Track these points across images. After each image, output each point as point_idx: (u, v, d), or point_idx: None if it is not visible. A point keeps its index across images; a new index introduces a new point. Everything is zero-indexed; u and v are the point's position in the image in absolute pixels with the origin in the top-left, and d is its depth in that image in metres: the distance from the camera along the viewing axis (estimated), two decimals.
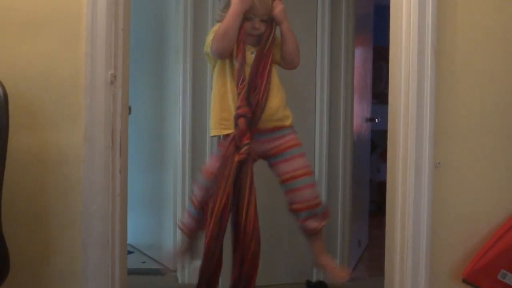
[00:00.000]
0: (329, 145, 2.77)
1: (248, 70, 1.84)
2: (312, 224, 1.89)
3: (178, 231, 2.74)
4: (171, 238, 2.86)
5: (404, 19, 1.80)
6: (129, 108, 1.93)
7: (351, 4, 2.81)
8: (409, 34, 1.79)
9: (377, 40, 3.68)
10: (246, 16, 1.85)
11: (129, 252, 3.07)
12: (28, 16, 1.75)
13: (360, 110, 3.16)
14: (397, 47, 1.84)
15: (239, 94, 1.82)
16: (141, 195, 3.16)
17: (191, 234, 1.99)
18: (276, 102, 1.88)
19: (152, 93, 3.16)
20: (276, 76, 1.92)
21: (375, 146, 4.53)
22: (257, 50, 1.87)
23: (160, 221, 3.06)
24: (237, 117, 1.81)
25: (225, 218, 1.79)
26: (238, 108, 1.82)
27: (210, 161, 1.99)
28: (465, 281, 1.80)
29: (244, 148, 1.80)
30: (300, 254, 2.71)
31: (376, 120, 3.51)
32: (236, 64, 1.84)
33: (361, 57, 3.13)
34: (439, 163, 1.80)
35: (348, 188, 2.83)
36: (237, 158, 1.80)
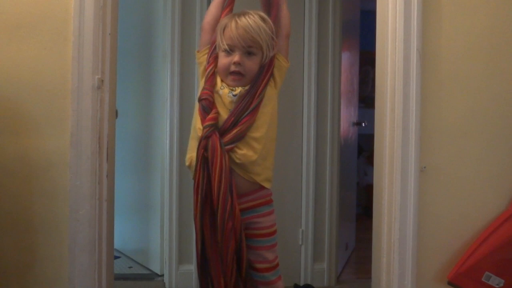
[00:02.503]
0: (316, 149, 2.78)
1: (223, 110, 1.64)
2: None
3: (165, 236, 2.75)
4: (158, 242, 2.85)
5: (390, 24, 1.82)
6: (116, 112, 1.92)
7: (338, 10, 2.83)
8: (394, 39, 1.80)
9: (363, 44, 3.72)
10: (224, 47, 1.63)
11: (116, 257, 3.06)
12: (15, 20, 1.73)
13: (347, 114, 3.18)
14: (383, 51, 1.86)
15: (206, 76, 1.65)
16: (128, 200, 3.14)
17: None
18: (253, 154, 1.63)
19: (140, 97, 3.15)
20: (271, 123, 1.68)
21: (361, 149, 4.57)
22: (247, 97, 1.62)
23: (147, 225, 3.04)
24: (198, 100, 1.65)
25: (196, 216, 1.65)
26: (202, 90, 1.65)
27: None
28: (450, 283, 1.82)
29: (204, 131, 1.59)
30: (287, 258, 2.71)
31: (363, 124, 3.55)
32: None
33: (348, 61, 3.16)
34: (424, 167, 1.81)
35: (335, 191, 2.85)
36: (200, 146, 1.59)
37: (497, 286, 1.78)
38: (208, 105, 1.63)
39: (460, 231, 1.84)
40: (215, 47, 1.70)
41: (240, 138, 1.62)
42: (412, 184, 1.79)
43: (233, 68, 1.63)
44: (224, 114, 1.63)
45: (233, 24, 1.63)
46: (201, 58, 1.74)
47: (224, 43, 1.63)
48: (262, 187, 1.70)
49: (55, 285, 1.76)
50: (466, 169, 1.85)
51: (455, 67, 1.84)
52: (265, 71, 1.67)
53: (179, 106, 2.69)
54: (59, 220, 1.75)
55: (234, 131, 1.61)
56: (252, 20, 1.63)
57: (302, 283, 2.77)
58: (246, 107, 1.63)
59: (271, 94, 1.69)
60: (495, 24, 1.86)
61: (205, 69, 1.70)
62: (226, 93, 1.64)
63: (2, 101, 1.67)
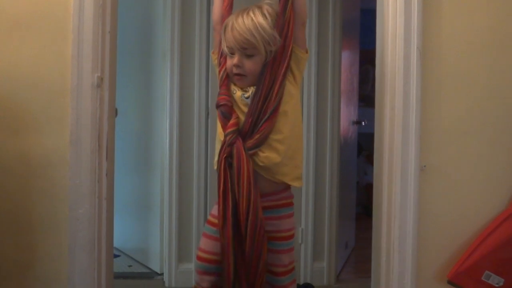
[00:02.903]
0: (316, 148, 2.78)
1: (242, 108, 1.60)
2: None
3: (165, 234, 2.75)
4: (158, 241, 2.85)
5: (390, 23, 1.81)
6: (116, 111, 1.91)
7: (338, 8, 2.82)
8: (395, 38, 1.80)
9: (363, 43, 3.71)
10: (225, 51, 1.61)
11: (116, 256, 3.05)
12: (15, 19, 1.73)
13: (347, 113, 3.18)
14: (383, 50, 1.85)
15: (220, 79, 1.63)
16: (127, 198, 3.14)
17: None
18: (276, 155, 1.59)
19: (139, 95, 3.15)
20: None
21: (361, 148, 4.56)
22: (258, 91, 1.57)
23: (146, 224, 3.04)
24: (216, 106, 1.62)
25: (228, 228, 1.56)
26: (218, 95, 1.62)
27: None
28: (450, 282, 1.81)
29: (227, 138, 1.56)
30: None
31: (363, 123, 3.54)
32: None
33: (348, 60, 3.15)
34: (424, 166, 1.81)
35: (335, 190, 2.85)
36: (224, 153, 1.56)
37: (497, 285, 1.78)
38: (227, 110, 1.59)
39: (460, 230, 1.84)
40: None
41: (262, 142, 1.58)
42: (412, 183, 1.79)
43: (234, 70, 1.61)
44: (241, 117, 1.60)
45: (229, 26, 1.59)
46: (215, 60, 1.71)
47: (225, 45, 1.61)
48: (285, 189, 1.67)
49: (55, 284, 1.76)
50: (466, 168, 1.85)
51: (456, 65, 1.84)
52: (278, 67, 1.59)
53: (179, 105, 2.69)
54: (58, 219, 1.75)
55: (256, 136, 1.57)
56: (248, 20, 1.57)
57: (301, 282, 2.76)
58: (265, 109, 1.57)
59: (291, 90, 1.61)
60: (495, 22, 1.85)
61: (219, 72, 1.66)
62: (239, 96, 1.61)
63: (2, 100, 1.67)
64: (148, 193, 3.03)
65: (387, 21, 1.83)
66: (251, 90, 1.60)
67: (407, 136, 1.79)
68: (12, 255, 1.74)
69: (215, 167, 1.64)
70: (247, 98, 1.60)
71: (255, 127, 1.58)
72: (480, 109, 1.85)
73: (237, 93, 1.62)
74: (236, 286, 1.62)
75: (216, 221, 1.64)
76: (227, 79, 1.64)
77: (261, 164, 1.59)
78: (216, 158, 1.63)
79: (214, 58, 1.72)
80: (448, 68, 1.84)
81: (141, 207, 3.12)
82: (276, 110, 1.58)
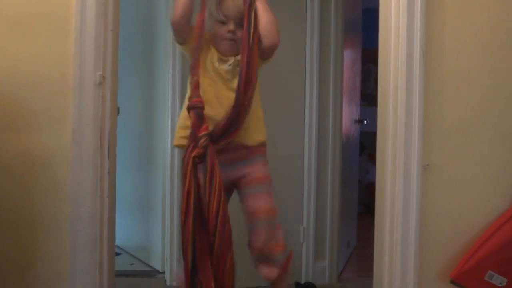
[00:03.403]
0: (318, 147, 2.78)
1: (217, 83, 1.78)
2: (265, 271, 1.79)
3: (167, 233, 2.75)
4: (160, 239, 2.85)
5: (393, 22, 1.81)
6: (118, 109, 1.91)
7: (340, 7, 2.82)
8: (397, 37, 1.80)
9: (365, 42, 3.71)
10: (220, 18, 1.80)
11: (117, 254, 3.05)
12: (17, 17, 1.73)
13: (349, 111, 3.18)
14: (386, 49, 1.85)
15: (190, 83, 1.74)
16: (129, 197, 3.14)
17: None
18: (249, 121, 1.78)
19: (141, 93, 3.15)
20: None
21: (363, 147, 4.56)
22: (242, 57, 1.74)
23: (148, 222, 3.04)
24: (188, 109, 1.73)
25: (188, 224, 1.67)
26: (189, 99, 1.74)
27: None
28: (453, 282, 1.81)
29: (201, 141, 1.68)
30: None
31: (365, 121, 3.54)
32: (208, 64, 1.79)
33: (350, 59, 3.15)
34: (427, 165, 1.81)
35: (337, 189, 2.84)
36: (194, 152, 1.68)
37: (500, 285, 1.78)
38: (202, 113, 1.72)
39: (463, 230, 1.83)
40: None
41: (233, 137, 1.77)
42: (414, 182, 1.78)
43: (227, 35, 1.79)
44: (221, 87, 1.77)
45: None
46: (188, 52, 1.84)
47: (221, 14, 1.79)
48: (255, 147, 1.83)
49: (56, 282, 1.76)
50: (469, 167, 1.84)
51: (458, 65, 1.83)
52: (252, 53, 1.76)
53: (181, 103, 2.67)
54: (60, 217, 1.75)
55: (227, 140, 1.75)
56: None
57: (303, 281, 2.76)
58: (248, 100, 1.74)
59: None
60: (498, 22, 1.85)
61: (193, 76, 1.76)
62: (217, 67, 1.79)
63: (3, 98, 1.67)
64: (149, 192, 3.03)
65: (390, 20, 1.82)
66: (231, 60, 1.79)
67: (409, 135, 1.79)
68: (13, 254, 1.74)
69: (175, 144, 1.84)
70: (229, 65, 1.79)
71: (228, 132, 1.74)
72: (482, 109, 1.85)
73: (221, 64, 1.79)
74: (195, 279, 1.70)
75: None
76: (198, 84, 1.75)
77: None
78: (179, 135, 1.81)
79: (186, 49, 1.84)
80: (451, 67, 1.83)
81: (143, 206, 3.12)
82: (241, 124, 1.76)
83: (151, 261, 3.00)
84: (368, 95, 4.48)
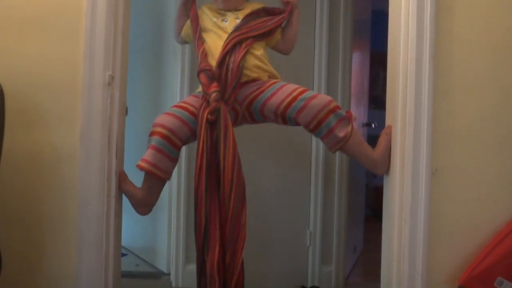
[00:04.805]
0: (325, 150, 2.77)
1: (223, 38, 1.85)
2: (341, 132, 1.77)
3: (173, 234, 2.75)
4: (165, 241, 2.85)
5: (402, 26, 1.80)
6: (126, 109, 1.92)
7: (349, 10, 2.81)
8: (407, 41, 1.79)
9: (374, 45, 3.70)
10: None
11: (123, 255, 3.06)
12: (27, 15, 1.74)
13: (357, 115, 3.16)
14: (395, 53, 1.84)
15: (198, 51, 1.87)
16: None
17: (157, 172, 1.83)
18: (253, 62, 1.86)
19: (150, 93, 3.15)
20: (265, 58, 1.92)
21: None
22: (244, 19, 1.88)
23: (154, 224, 3.04)
24: (197, 73, 1.83)
25: (202, 178, 1.74)
26: (198, 65, 1.85)
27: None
28: (461, 287, 1.79)
29: (212, 96, 1.75)
30: (294, 259, 2.70)
31: (373, 125, 3.52)
32: (210, 25, 1.91)
33: (358, 62, 3.14)
34: (436, 169, 1.79)
35: (344, 192, 2.83)
36: (207, 110, 1.75)
37: None
38: (212, 74, 1.80)
39: (472, 234, 1.82)
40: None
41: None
42: (423, 186, 1.77)
43: None
44: (219, 41, 1.86)
45: None
46: (188, 30, 2.01)
47: None
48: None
49: (62, 281, 1.76)
50: (478, 172, 1.83)
51: (467, 69, 1.82)
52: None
53: None
54: (67, 216, 1.75)
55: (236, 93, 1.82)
56: None
57: (309, 285, 2.75)
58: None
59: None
60: (508, 26, 1.83)
61: (199, 49, 1.88)
62: (220, 21, 1.91)
63: (13, 97, 1.68)
64: None
65: (399, 24, 1.81)
66: (228, 16, 1.91)
67: (418, 139, 1.78)
68: (20, 252, 1.75)
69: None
70: (225, 21, 1.90)
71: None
72: (492, 113, 1.83)
73: (214, 19, 1.92)
74: (205, 242, 1.73)
75: (186, 106, 1.83)
76: (206, 54, 1.86)
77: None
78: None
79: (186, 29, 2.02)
80: (460, 71, 1.82)
81: None
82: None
83: (157, 262, 3.00)
84: (376, 99, 4.47)
